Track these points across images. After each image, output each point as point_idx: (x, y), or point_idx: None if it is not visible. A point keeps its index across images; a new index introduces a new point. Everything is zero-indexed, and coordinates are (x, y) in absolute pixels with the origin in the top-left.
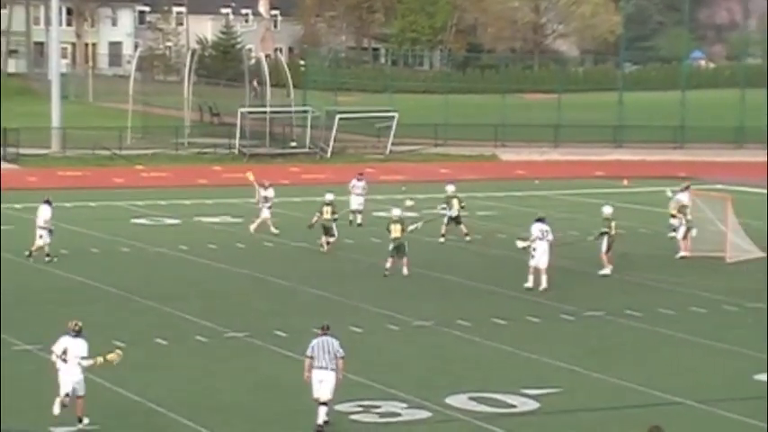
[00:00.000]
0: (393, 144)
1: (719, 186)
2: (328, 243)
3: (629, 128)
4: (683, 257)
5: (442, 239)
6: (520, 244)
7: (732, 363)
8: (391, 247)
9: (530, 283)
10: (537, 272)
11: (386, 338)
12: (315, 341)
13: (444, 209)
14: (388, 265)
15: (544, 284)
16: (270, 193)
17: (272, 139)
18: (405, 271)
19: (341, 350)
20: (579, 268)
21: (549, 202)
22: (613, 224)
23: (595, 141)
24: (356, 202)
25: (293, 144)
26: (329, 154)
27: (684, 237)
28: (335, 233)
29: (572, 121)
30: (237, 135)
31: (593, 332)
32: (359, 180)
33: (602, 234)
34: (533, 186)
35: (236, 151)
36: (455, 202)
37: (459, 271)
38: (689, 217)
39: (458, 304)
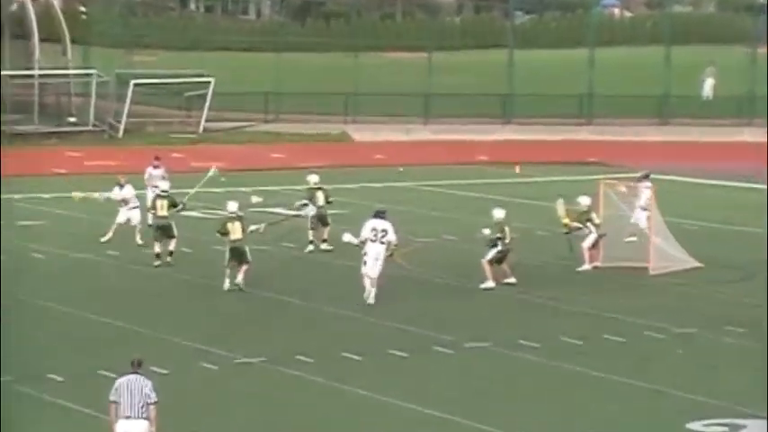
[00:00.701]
0: (208, 120)
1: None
2: (158, 255)
3: (522, 97)
4: (590, 269)
5: (310, 247)
6: (346, 238)
7: (658, 407)
8: (228, 253)
9: (370, 299)
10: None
11: (197, 381)
12: (120, 381)
13: (305, 205)
14: (227, 284)
15: (371, 300)
16: (128, 192)
17: (43, 113)
18: (239, 278)
19: (153, 394)
20: (458, 284)
21: (418, 197)
22: (507, 230)
23: (478, 116)
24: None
25: (72, 120)
26: (121, 133)
27: (594, 245)
28: (175, 233)
29: (447, 89)
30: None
31: (476, 369)
32: (155, 167)
33: (494, 244)
34: (396, 176)
35: None
36: (320, 195)
37: (305, 289)
38: (596, 221)
39: (301, 334)
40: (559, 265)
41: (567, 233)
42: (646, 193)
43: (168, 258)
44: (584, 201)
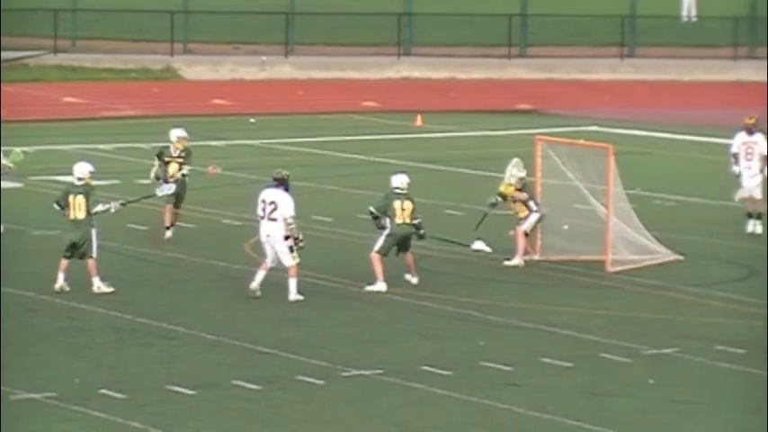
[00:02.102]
0: None
1: (594, 128)
2: None
3: (425, 18)
4: (521, 264)
5: (168, 234)
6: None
7: None
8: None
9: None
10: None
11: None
12: None
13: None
14: (58, 285)
15: (293, 295)
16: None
17: None
18: (94, 281)
19: None
20: (337, 286)
21: (277, 161)
22: (408, 205)
23: (362, 43)
24: None
25: None
26: None
27: (530, 232)
28: None
29: (317, 4)
30: None
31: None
32: None
33: (380, 223)
34: (246, 129)
35: None
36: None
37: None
38: (536, 199)
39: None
40: (479, 258)
41: (493, 204)
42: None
43: None
44: (399, 179)
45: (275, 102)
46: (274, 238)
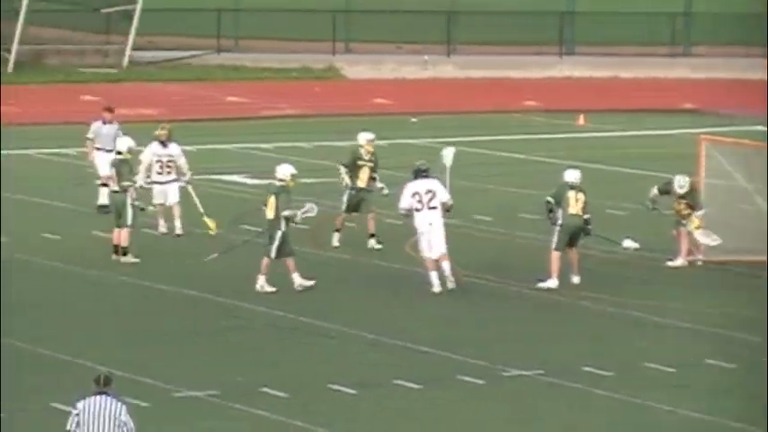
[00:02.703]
0: (135, 48)
1: (760, 128)
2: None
3: (587, 17)
4: (683, 264)
5: (335, 241)
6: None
7: None
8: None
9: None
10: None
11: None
12: (84, 403)
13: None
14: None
15: (450, 283)
16: (174, 150)
17: None
18: (297, 281)
19: (130, 423)
20: (495, 285)
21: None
22: (582, 198)
23: (524, 43)
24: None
25: None
26: (11, 66)
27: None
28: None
29: (479, 4)
30: None
31: (520, 407)
32: (108, 121)
33: (553, 216)
34: (408, 128)
35: None
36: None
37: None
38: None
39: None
40: (640, 258)
41: (654, 209)
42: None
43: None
44: (572, 175)
45: (437, 101)
46: (436, 225)
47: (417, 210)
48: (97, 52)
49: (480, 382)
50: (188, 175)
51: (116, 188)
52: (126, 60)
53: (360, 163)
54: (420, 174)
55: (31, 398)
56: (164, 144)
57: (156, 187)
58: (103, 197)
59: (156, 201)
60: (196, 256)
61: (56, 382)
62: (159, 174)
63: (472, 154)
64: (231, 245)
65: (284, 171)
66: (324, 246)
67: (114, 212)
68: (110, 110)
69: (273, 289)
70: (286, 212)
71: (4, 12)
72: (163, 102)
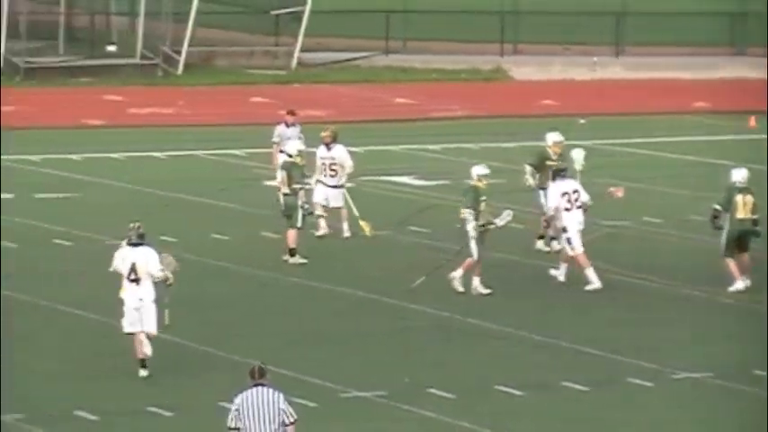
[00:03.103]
0: (304, 49)
1: None
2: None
3: (755, 16)
4: None
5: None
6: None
7: None
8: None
9: (562, 276)
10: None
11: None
12: (242, 396)
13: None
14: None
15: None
16: (338, 152)
17: (72, 39)
18: (476, 284)
19: (289, 409)
20: (662, 287)
21: (608, 161)
22: (749, 199)
23: (694, 43)
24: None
25: (112, 49)
26: (180, 68)
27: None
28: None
29: (648, 5)
30: (3, 33)
31: (689, 409)
32: (291, 124)
33: (717, 223)
34: (576, 130)
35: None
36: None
37: None
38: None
39: None
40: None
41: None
42: None
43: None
44: (738, 174)
45: (605, 102)
46: (581, 225)
47: (567, 209)
48: (266, 54)
49: (649, 384)
50: (343, 179)
51: (287, 191)
52: (294, 62)
53: (548, 163)
54: (559, 174)
55: (201, 397)
56: (327, 147)
57: (318, 189)
58: None
59: (317, 201)
60: (363, 257)
61: (226, 382)
62: (323, 176)
63: (641, 156)
64: (435, 265)
65: (477, 171)
66: (493, 247)
67: (285, 214)
68: (292, 113)
69: (488, 290)
70: (482, 220)
71: (174, 14)
72: (331, 103)
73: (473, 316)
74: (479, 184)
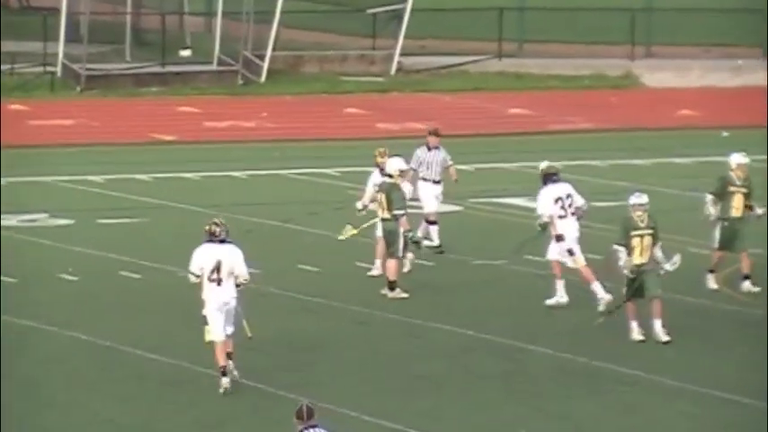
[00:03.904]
0: (404, 53)
1: None
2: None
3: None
4: None
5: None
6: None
7: None
8: (626, 288)
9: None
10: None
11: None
12: None
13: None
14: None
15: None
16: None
17: (141, 43)
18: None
19: None
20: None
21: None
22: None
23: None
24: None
25: (186, 55)
26: (263, 75)
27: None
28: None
29: None
30: (62, 36)
31: None
32: (432, 147)
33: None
34: (718, 144)
35: (57, 71)
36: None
37: None
38: None
39: None
40: None
41: None
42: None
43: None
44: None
45: (750, 112)
46: (578, 232)
47: (561, 216)
48: (362, 58)
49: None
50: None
51: (387, 215)
52: (394, 67)
53: (731, 189)
54: (551, 178)
55: None
56: (382, 170)
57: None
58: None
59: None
60: (472, 291)
61: None
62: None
63: None
64: (614, 304)
65: (636, 200)
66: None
67: (384, 242)
68: (436, 133)
69: (667, 338)
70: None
71: (256, 14)
72: (435, 114)
73: (600, 359)
74: (634, 215)
